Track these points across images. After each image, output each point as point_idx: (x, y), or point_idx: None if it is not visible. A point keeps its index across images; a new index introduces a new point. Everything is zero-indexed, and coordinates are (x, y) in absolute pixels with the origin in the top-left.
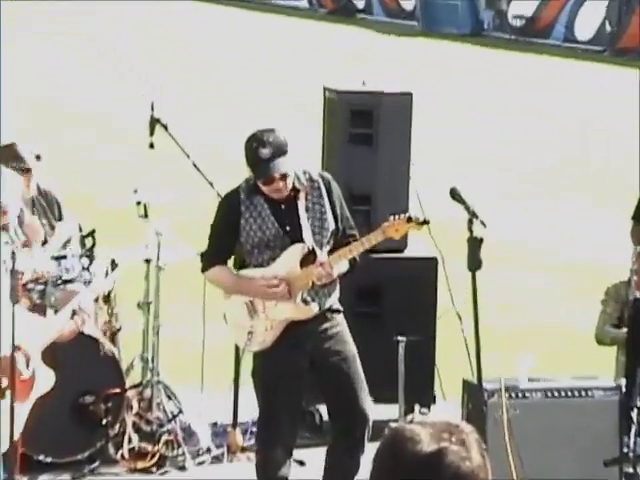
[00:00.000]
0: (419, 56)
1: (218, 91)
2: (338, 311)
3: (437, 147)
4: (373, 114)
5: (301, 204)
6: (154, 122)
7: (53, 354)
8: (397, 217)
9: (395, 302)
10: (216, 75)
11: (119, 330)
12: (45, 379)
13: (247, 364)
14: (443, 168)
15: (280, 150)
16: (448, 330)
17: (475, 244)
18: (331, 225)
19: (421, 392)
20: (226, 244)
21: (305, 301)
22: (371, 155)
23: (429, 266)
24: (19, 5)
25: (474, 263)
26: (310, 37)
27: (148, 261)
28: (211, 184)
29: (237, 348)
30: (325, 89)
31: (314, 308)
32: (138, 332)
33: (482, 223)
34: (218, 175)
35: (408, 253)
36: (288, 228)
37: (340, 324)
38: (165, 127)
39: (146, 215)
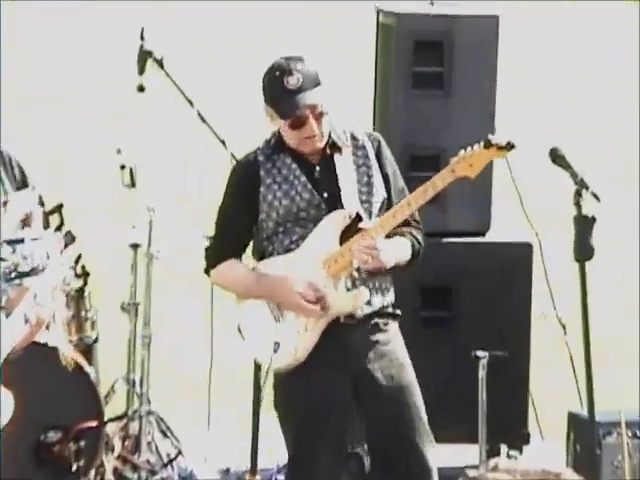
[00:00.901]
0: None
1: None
2: (394, 316)
3: (531, 94)
4: (444, 46)
5: (342, 163)
6: (144, 56)
7: (5, 374)
8: (469, 148)
9: (474, 304)
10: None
11: (96, 341)
12: (4, 405)
13: (271, 389)
14: (539, 122)
15: (311, 80)
16: (546, 343)
17: (585, 224)
18: (381, 193)
19: (509, 428)
20: (240, 228)
21: (348, 288)
22: (442, 103)
23: (521, 255)
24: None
25: (583, 250)
26: None
27: (136, 247)
28: (223, 142)
29: (257, 368)
30: (378, 11)
31: (364, 294)
32: (122, 344)
33: (594, 196)
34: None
35: (492, 237)
36: (325, 195)
37: (395, 337)
38: (160, 63)
39: (133, 184)
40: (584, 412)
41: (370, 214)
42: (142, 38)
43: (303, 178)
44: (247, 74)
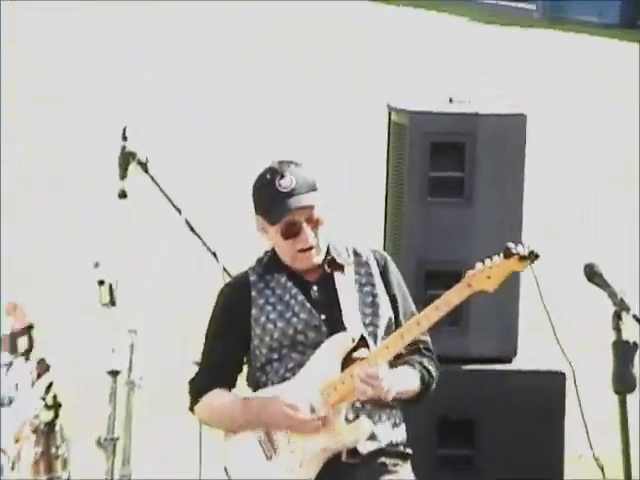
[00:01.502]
0: (538, 56)
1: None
2: (405, 456)
3: (560, 199)
4: (466, 148)
5: (343, 282)
6: (127, 158)
7: None
8: (487, 260)
9: (499, 441)
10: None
11: None
12: None
13: None
14: (572, 233)
15: (306, 183)
16: None
17: (626, 351)
18: (387, 314)
19: None
20: (227, 358)
21: (349, 419)
22: (462, 212)
23: (553, 385)
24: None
25: (624, 380)
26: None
27: (115, 373)
28: (214, 254)
29: None
30: (390, 109)
31: (366, 425)
32: None
33: (637, 319)
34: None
35: (519, 364)
36: (324, 316)
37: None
38: (144, 166)
39: (113, 302)
40: None
41: (375, 338)
42: (124, 138)
43: (300, 297)
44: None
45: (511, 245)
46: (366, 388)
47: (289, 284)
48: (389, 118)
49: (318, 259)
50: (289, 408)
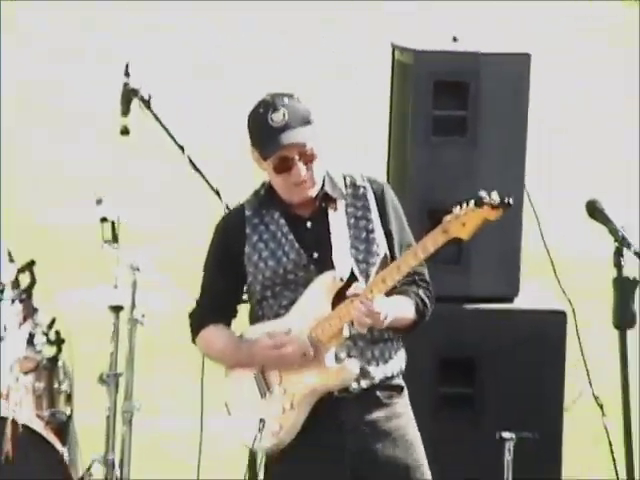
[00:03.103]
0: None
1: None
2: (399, 389)
3: (563, 137)
4: (470, 87)
5: (336, 218)
6: (129, 95)
7: None
8: (464, 205)
9: (499, 380)
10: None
11: (70, 418)
12: None
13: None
14: (574, 173)
15: (299, 116)
16: (581, 425)
17: (626, 287)
18: (381, 248)
19: None
20: (223, 292)
21: (338, 358)
22: (465, 151)
23: (553, 323)
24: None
25: (624, 316)
26: None
27: (117, 309)
28: (217, 193)
29: (252, 454)
30: (394, 47)
31: (353, 367)
32: (100, 421)
33: (638, 255)
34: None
35: (520, 303)
36: (316, 254)
37: (401, 412)
38: (147, 103)
39: (115, 239)
40: None
41: (367, 276)
42: (127, 74)
43: (290, 236)
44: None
45: (483, 194)
46: (364, 320)
47: (282, 221)
48: (393, 57)
49: (312, 192)
50: (273, 345)
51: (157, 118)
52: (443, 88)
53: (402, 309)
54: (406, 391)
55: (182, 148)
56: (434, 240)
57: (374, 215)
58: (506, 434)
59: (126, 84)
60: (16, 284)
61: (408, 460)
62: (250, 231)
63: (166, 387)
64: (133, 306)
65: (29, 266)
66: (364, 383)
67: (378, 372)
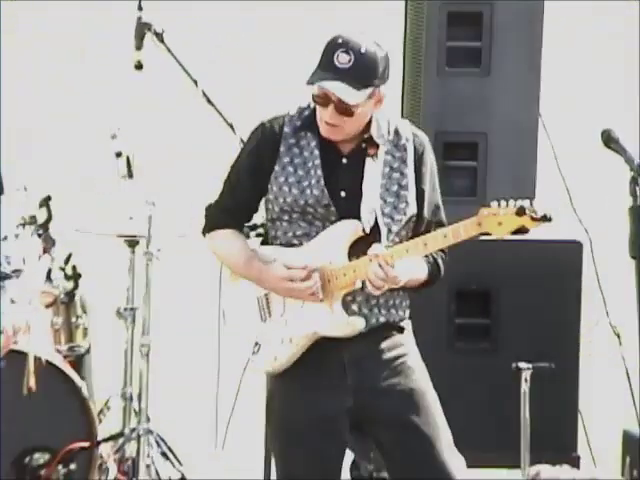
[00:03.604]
0: None
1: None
2: (400, 329)
3: (577, 70)
4: (483, 18)
5: (373, 164)
6: (142, 29)
7: None
8: (503, 204)
9: (516, 311)
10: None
11: (88, 352)
12: None
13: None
14: (590, 103)
15: (361, 75)
16: (598, 354)
17: None
18: (411, 207)
19: (556, 450)
20: (245, 197)
21: (347, 309)
22: (479, 82)
23: (569, 254)
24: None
25: None
26: None
27: (133, 244)
28: (231, 126)
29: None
30: None
31: (359, 324)
32: (118, 354)
33: None
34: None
35: (536, 234)
36: (343, 194)
37: (405, 344)
38: (160, 37)
39: (130, 174)
40: None
41: (389, 231)
42: (140, 8)
43: (319, 171)
44: (259, 49)
45: (526, 205)
46: (380, 283)
47: (316, 152)
48: None
49: (339, 137)
50: (288, 277)
51: (170, 52)
52: (457, 19)
53: (416, 272)
54: (409, 329)
55: (195, 82)
56: (467, 229)
57: (409, 170)
58: (523, 364)
59: (139, 18)
60: (32, 219)
61: (410, 385)
62: (284, 150)
63: (183, 318)
64: (149, 241)
65: (45, 202)
66: (363, 325)
67: (381, 319)
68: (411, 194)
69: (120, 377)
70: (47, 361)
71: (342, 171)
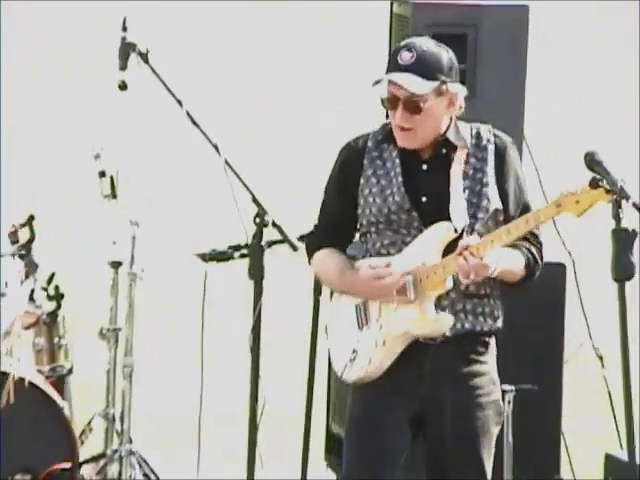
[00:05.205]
0: None
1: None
2: (485, 344)
3: (563, 89)
4: (468, 39)
5: (456, 167)
6: (127, 49)
7: None
8: (579, 185)
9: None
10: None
11: (70, 372)
12: None
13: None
14: (574, 124)
15: (426, 68)
16: (581, 377)
17: (624, 239)
18: (492, 203)
19: (539, 473)
20: (337, 216)
21: (438, 308)
22: (465, 104)
23: (553, 276)
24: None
25: (623, 268)
26: None
27: (117, 265)
28: (215, 147)
29: (253, 406)
30: (392, 0)
31: (449, 320)
32: (100, 375)
33: (636, 207)
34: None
35: None
36: (424, 199)
37: (486, 373)
38: (144, 57)
39: (114, 194)
40: (624, 455)
41: (472, 230)
42: (124, 29)
43: (400, 178)
44: (245, 65)
45: (597, 177)
46: (469, 272)
47: (397, 161)
48: (391, 10)
49: (411, 143)
50: (374, 276)
51: (155, 72)
52: (441, 40)
53: (512, 262)
54: (493, 348)
55: (180, 102)
56: (546, 212)
57: (490, 168)
58: (506, 386)
59: (124, 38)
60: (15, 239)
61: (476, 409)
62: (367, 163)
63: (166, 339)
64: (132, 261)
65: (29, 221)
66: (449, 332)
67: (467, 325)
68: (492, 190)
69: (102, 398)
70: (28, 382)
71: (422, 177)
